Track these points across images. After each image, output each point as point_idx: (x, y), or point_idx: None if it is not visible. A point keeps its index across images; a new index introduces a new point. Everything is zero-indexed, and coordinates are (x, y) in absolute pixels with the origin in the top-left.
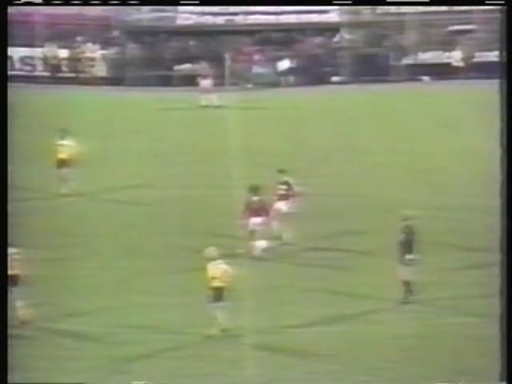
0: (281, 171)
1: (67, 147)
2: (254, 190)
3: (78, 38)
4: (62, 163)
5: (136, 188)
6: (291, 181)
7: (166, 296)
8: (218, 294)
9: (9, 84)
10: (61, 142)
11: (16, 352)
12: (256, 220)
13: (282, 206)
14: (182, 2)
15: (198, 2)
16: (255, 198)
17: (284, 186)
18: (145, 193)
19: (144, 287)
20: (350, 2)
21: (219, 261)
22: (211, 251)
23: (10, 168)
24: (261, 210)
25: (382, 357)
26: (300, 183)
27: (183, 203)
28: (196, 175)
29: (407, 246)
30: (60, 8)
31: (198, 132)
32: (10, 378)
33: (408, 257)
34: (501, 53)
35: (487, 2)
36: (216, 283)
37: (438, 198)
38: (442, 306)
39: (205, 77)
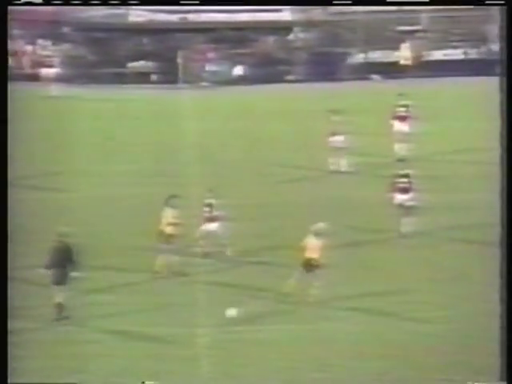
0: (210, 191)
1: None
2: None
3: (30, 35)
4: None
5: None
6: (214, 202)
7: None
8: (311, 264)
9: None
10: None
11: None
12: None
13: (209, 226)
14: (182, 2)
15: (198, 2)
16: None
17: (208, 209)
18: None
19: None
20: (349, 2)
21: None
22: (320, 226)
23: None
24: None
25: None
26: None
27: (135, 201)
28: (148, 173)
29: (59, 263)
30: None
31: (150, 130)
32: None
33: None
34: (501, 52)
35: (487, 2)
36: (309, 254)
37: None
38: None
39: (50, 66)
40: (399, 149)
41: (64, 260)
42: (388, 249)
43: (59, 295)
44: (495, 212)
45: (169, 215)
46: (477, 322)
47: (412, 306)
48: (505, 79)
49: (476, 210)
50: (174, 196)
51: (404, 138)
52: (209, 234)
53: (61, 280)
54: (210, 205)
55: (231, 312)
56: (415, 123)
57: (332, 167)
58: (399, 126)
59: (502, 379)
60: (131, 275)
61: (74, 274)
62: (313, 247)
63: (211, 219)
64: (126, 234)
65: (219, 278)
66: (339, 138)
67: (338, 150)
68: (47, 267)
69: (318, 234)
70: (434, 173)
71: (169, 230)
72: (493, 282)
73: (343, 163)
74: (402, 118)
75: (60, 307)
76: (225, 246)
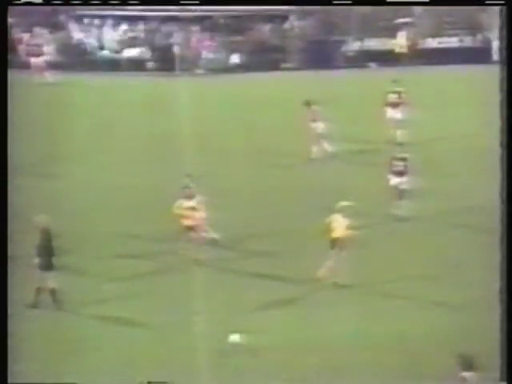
0: (188, 175)
1: None
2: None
3: (26, 22)
4: None
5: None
6: (194, 186)
7: None
8: (335, 244)
9: None
10: None
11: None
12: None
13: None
14: (182, 2)
15: (198, 2)
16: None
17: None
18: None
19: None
20: (349, 2)
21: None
22: (342, 204)
23: None
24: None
25: None
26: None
27: (130, 188)
28: (143, 160)
29: (44, 250)
30: None
31: (145, 117)
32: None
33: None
34: (501, 53)
35: (487, 2)
36: (334, 234)
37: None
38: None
39: (46, 54)
40: (393, 135)
41: (49, 246)
42: (382, 232)
43: (47, 281)
44: (489, 197)
45: (184, 207)
46: (475, 320)
47: (410, 292)
48: (505, 79)
49: (471, 194)
50: (187, 187)
51: (396, 124)
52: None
53: (47, 266)
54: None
55: (234, 338)
56: (409, 109)
57: (316, 154)
58: (392, 113)
59: (502, 379)
60: (126, 262)
61: (54, 259)
62: (339, 226)
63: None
64: (121, 221)
65: (218, 264)
66: (320, 125)
67: (319, 137)
68: (37, 254)
69: (343, 213)
70: (428, 158)
71: (186, 222)
72: (491, 269)
73: (327, 149)
74: (395, 105)
75: (52, 293)
76: (211, 231)
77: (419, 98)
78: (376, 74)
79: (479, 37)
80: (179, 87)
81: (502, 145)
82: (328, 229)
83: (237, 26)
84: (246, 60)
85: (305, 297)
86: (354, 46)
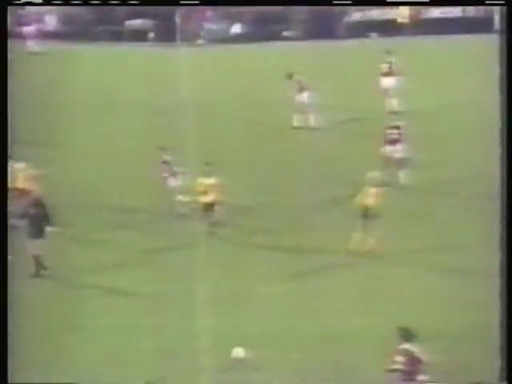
0: (163, 149)
1: None
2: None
3: None
4: None
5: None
6: (170, 159)
7: None
8: (366, 213)
9: None
10: None
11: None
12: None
13: (172, 182)
14: (182, 2)
15: (197, 2)
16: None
17: (167, 166)
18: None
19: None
20: (349, 2)
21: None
22: (374, 175)
23: None
24: None
25: None
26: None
27: (129, 158)
28: (144, 130)
29: (40, 219)
30: None
31: (146, 87)
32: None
33: (47, 229)
34: (501, 54)
35: (487, 2)
36: (367, 202)
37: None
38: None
39: (47, 24)
40: (388, 105)
41: (40, 214)
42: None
43: (37, 248)
44: (487, 166)
45: (203, 184)
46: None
47: (416, 262)
48: (505, 78)
49: (469, 163)
50: (207, 164)
51: (388, 94)
52: (174, 190)
53: (37, 234)
54: (167, 162)
55: (237, 353)
56: (402, 79)
57: (316, 124)
58: (384, 83)
59: (501, 379)
60: (127, 234)
61: (49, 228)
62: (370, 196)
63: (174, 175)
64: (119, 192)
65: (221, 237)
66: (305, 95)
67: (304, 106)
68: (22, 218)
69: (372, 183)
70: (428, 127)
71: (205, 199)
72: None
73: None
74: (387, 75)
75: (38, 260)
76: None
77: (420, 68)
78: (377, 44)
79: (481, 7)
80: (180, 57)
81: (501, 113)
82: (358, 200)
83: None
84: (247, 30)
85: (312, 269)
86: (355, 15)
